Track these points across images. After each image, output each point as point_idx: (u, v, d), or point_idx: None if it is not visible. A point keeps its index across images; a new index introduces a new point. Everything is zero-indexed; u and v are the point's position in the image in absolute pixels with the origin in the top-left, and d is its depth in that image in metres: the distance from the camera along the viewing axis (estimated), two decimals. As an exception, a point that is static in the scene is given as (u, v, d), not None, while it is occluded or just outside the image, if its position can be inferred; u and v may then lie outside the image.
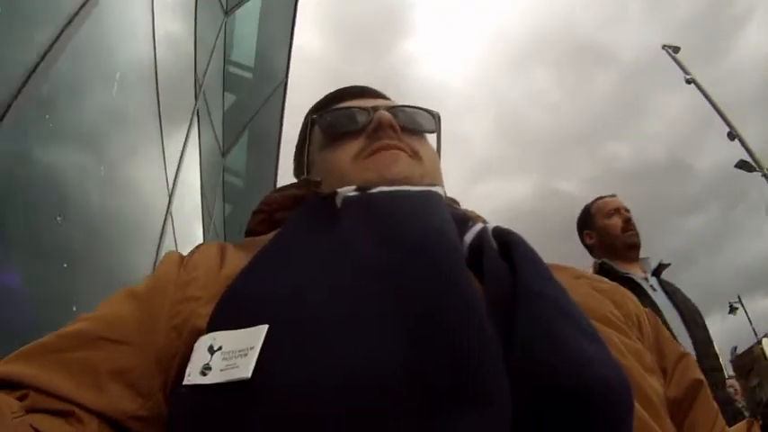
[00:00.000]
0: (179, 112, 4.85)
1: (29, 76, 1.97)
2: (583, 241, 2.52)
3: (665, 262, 2.37)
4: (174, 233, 4.30)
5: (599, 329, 0.48)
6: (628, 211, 2.40)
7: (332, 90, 0.90)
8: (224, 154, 7.07)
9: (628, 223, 2.35)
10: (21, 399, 0.45)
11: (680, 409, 0.62)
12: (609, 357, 0.43)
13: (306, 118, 0.89)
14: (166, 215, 4.15)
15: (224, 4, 6.13)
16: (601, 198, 2.53)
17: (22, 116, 1.93)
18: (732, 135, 9.02)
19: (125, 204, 3.44)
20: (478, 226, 0.59)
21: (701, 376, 0.66)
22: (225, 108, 7.10)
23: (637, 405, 0.46)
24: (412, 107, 0.84)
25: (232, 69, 7.75)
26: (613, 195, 2.52)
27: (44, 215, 2.25)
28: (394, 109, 0.80)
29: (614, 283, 0.71)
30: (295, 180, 0.87)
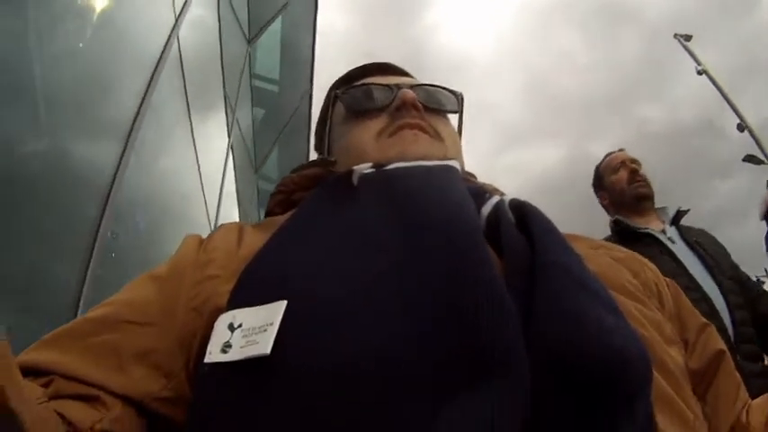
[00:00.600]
0: (214, 134, 5.08)
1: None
2: (601, 204, 2.38)
3: (684, 208, 2.21)
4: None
5: (617, 299, 0.47)
6: (634, 162, 2.27)
7: (356, 66, 0.89)
8: (257, 170, 7.31)
9: (634, 174, 2.21)
10: (46, 385, 0.45)
11: (702, 380, 0.61)
12: (627, 328, 0.43)
13: (328, 93, 0.88)
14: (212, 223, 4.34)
15: (246, 34, 6.37)
16: (608, 155, 2.41)
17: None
18: (741, 127, 8.82)
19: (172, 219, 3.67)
20: (495, 198, 0.58)
21: (724, 346, 0.64)
22: (255, 125, 7.33)
23: (656, 375, 0.46)
24: (435, 86, 0.83)
25: (258, 84, 8.01)
26: (621, 149, 2.39)
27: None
28: (417, 87, 0.79)
29: (632, 252, 0.69)
30: (317, 155, 0.89)
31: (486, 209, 0.56)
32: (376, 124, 0.75)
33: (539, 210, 0.55)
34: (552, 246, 0.48)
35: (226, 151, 5.25)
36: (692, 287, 1.78)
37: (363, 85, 0.82)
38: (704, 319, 0.66)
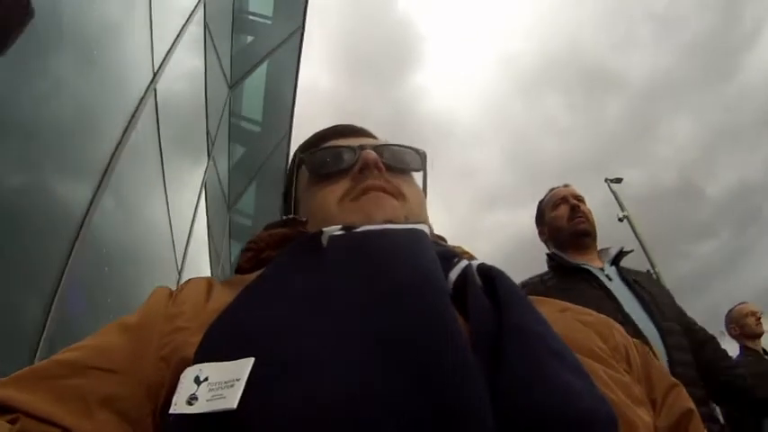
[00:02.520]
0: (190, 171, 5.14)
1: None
2: (540, 238, 2.30)
3: (627, 249, 2.14)
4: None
5: (585, 363, 0.48)
6: (577, 197, 2.20)
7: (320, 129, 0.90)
8: (230, 207, 7.35)
9: (575, 211, 2.13)
10: (12, 422, 0.45)
11: None
12: (595, 391, 0.43)
13: (293, 157, 0.89)
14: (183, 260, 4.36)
15: (228, 79, 6.50)
16: (551, 190, 2.31)
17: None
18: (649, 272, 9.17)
19: (141, 249, 3.69)
20: (463, 263, 0.58)
21: (692, 406, 0.64)
22: (232, 162, 7.40)
23: None
24: (398, 146, 0.83)
25: (240, 124, 8.14)
26: (566, 185, 2.30)
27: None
28: (380, 148, 0.79)
29: (601, 315, 0.70)
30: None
31: (454, 273, 0.57)
32: (339, 188, 0.76)
33: (506, 275, 0.56)
34: (518, 310, 0.49)
35: (199, 188, 5.30)
36: (626, 325, 1.66)
37: (326, 147, 0.82)
38: (673, 379, 0.66)
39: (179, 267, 4.38)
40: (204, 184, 5.61)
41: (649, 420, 0.56)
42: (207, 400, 0.42)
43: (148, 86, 3.51)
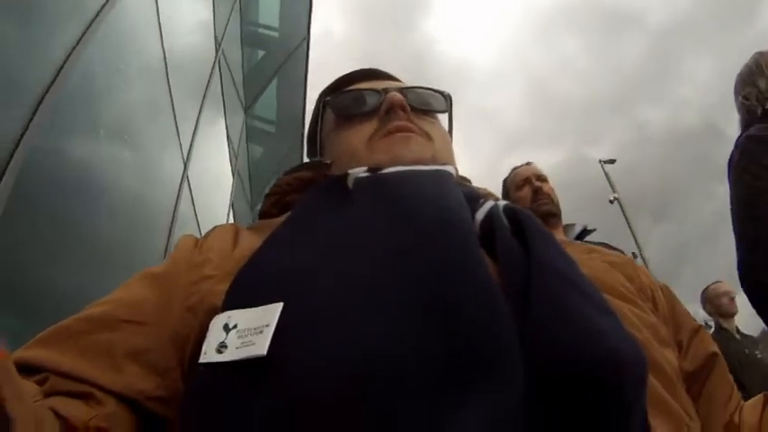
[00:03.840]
0: (199, 71, 5.12)
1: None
2: None
3: (591, 227, 2.20)
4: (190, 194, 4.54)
5: (612, 303, 0.47)
6: (540, 178, 2.22)
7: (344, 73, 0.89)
8: (246, 110, 7.43)
9: (537, 193, 2.16)
10: (41, 383, 0.45)
11: (696, 381, 0.61)
12: (622, 330, 0.43)
13: (318, 100, 0.88)
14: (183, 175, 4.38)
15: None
16: (514, 169, 2.32)
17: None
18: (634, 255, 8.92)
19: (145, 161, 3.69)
20: (489, 203, 0.58)
21: (717, 349, 0.64)
22: (247, 67, 7.33)
23: (651, 377, 0.45)
24: (423, 88, 0.82)
25: (255, 31, 7.94)
26: (528, 163, 2.32)
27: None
28: (405, 90, 0.79)
29: (626, 256, 0.69)
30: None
31: (480, 214, 0.56)
32: (366, 129, 0.75)
33: (532, 215, 0.55)
34: (546, 250, 0.48)
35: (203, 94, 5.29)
36: None
37: (352, 90, 0.82)
38: (697, 323, 0.66)
39: (185, 157, 4.41)
40: (216, 87, 5.61)
41: (675, 362, 0.57)
42: (236, 348, 0.42)
43: None
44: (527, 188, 2.18)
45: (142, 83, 3.60)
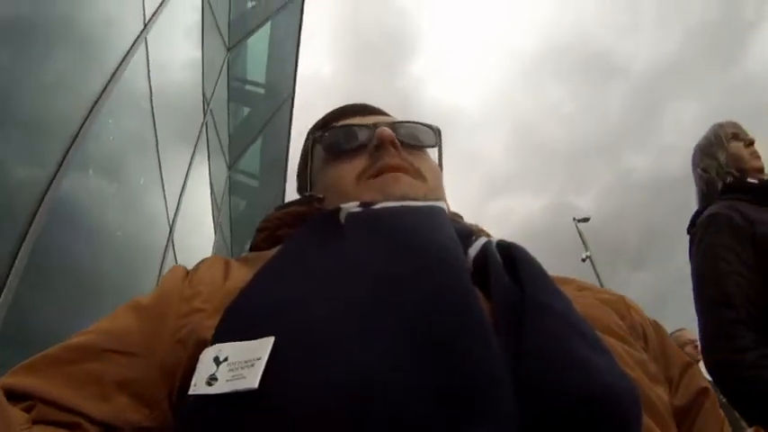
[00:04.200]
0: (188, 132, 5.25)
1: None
2: None
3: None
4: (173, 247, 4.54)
5: (605, 340, 0.47)
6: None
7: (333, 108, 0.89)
8: (230, 167, 7.50)
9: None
10: (27, 410, 0.44)
11: (686, 417, 0.61)
12: (616, 367, 0.42)
13: (307, 136, 0.87)
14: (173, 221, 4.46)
15: (226, 42, 6.52)
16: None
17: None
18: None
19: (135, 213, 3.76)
20: (482, 240, 0.57)
21: (707, 384, 0.64)
22: (233, 124, 7.47)
23: (644, 415, 0.45)
24: (412, 122, 0.82)
25: (243, 87, 8.20)
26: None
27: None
28: (395, 125, 0.78)
29: (618, 294, 0.70)
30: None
31: (474, 250, 0.56)
32: (356, 165, 0.75)
33: (527, 251, 0.55)
34: (540, 287, 0.48)
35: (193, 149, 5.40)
36: None
37: (341, 126, 0.81)
38: (688, 359, 0.66)
39: (170, 222, 4.48)
40: (204, 143, 5.72)
41: (666, 399, 0.56)
42: (227, 380, 0.41)
43: (138, 36, 3.47)
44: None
45: (134, 143, 3.70)
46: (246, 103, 8.73)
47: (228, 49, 6.57)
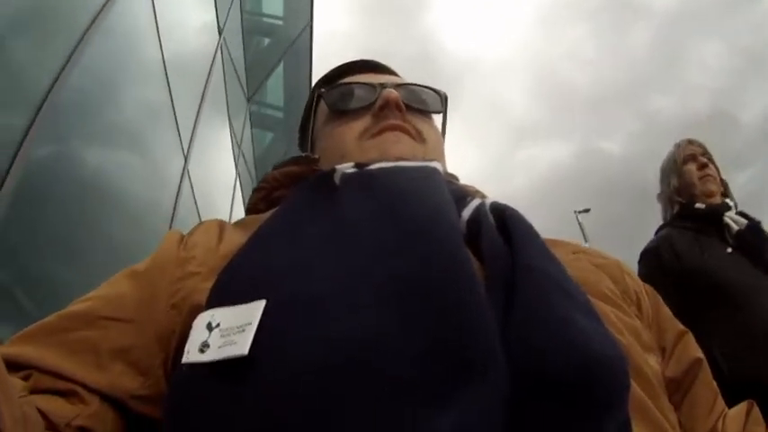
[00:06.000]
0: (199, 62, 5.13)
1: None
2: None
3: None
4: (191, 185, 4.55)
5: (596, 305, 0.47)
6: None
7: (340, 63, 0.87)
8: (249, 99, 7.40)
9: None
10: (25, 378, 0.45)
11: (679, 388, 0.60)
12: (606, 334, 0.42)
13: (312, 91, 0.86)
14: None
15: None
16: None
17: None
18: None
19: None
20: (476, 201, 0.57)
21: (701, 355, 0.63)
22: (250, 58, 7.30)
23: (633, 383, 0.45)
24: (419, 86, 0.80)
25: (258, 20, 7.97)
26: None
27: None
28: (401, 87, 0.77)
29: (613, 258, 0.68)
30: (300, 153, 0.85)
31: (467, 212, 0.55)
32: (359, 124, 0.74)
33: (520, 214, 0.54)
34: (532, 250, 0.47)
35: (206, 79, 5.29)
36: None
37: (347, 83, 0.80)
38: (682, 327, 0.65)
39: (185, 153, 4.42)
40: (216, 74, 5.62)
41: (657, 368, 0.56)
42: (218, 347, 0.41)
43: None
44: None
45: (141, 80, 3.62)
46: (264, 35, 8.49)
47: None
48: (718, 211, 1.84)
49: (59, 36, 2.39)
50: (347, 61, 0.87)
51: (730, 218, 1.82)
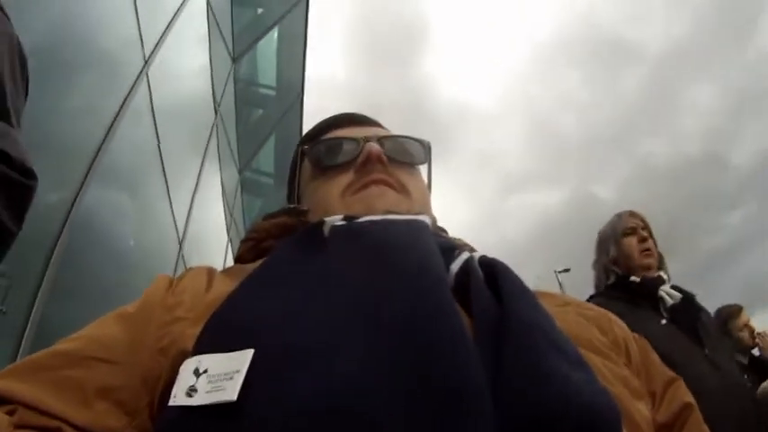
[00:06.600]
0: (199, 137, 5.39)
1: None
2: None
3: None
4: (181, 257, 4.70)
5: (586, 356, 0.47)
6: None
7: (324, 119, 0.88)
8: (240, 171, 7.66)
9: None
10: (10, 413, 0.45)
11: None
12: (596, 384, 0.42)
13: (297, 148, 0.86)
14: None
15: (231, 52, 6.63)
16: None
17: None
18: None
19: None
20: (465, 255, 0.57)
21: (692, 399, 0.63)
22: (242, 129, 7.61)
23: (624, 431, 0.45)
24: (403, 137, 0.81)
25: (251, 91, 8.34)
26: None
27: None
28: (383, 139, 0.77)
29: (601, 309, 0.68)
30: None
31: (456, 265, 0.55)
32: (342, 180, 0.74)
33: (509, 268, 0.55)
34: (522, 303, 0.47)
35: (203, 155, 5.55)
36: None
37: (329, 139, 0.80)
38: (673, 374, 0.65)
39: (180, 234, 4.57)
40: (214, 149, 5.85)
41: (648, 414, 0.56)
42: (206, 392, 0.41)
43: (141, 70, 3.52)
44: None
45: (137, 155, 3.82)
46: (257, 106, 8.87)
47: (234, 60, 6.69)
48: (653, 285, 1.88)
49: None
50: (331, 116, 0.88)
51: (665, 291, 1.86)
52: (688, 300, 1.83)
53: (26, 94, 1.04)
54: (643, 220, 2.09)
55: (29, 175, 0.92)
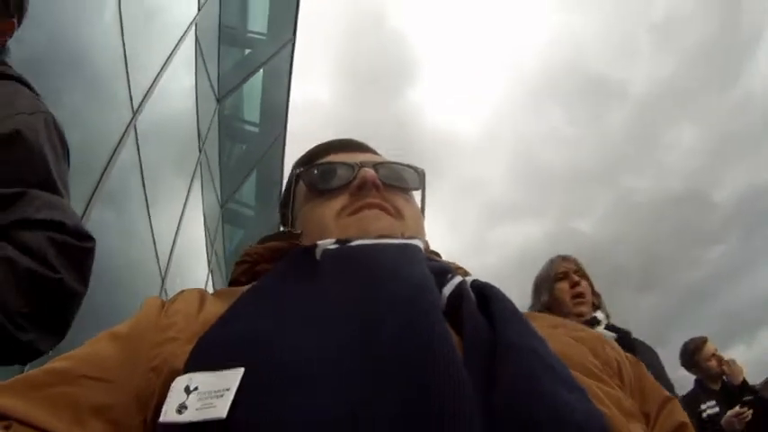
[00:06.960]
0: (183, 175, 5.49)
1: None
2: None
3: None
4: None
5: (578, 379, 0.47)
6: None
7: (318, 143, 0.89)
8: (222, 205, 7.73)
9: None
10: (4, 429, 0.45)
11: None
12: (589, 405, 0.42)
13: (291, 171, 0.87)
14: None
15: (216, 92, 6.79)
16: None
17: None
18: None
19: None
20: (457, 279, 0.57)
21: (686, 419, 0.63)
22: (225, 164, 7.72)
23: None
24: (397, 164, 0.81)
25: (235, 127, 8.48)
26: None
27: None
28: (378, 165, 0.78)
29: (593, 331, 0.69)
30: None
31: (448, 289, 0.56)
32: (337, 203, 0.75)
33: (501, 291, 0.55)
34: (514, 326, 0.48)
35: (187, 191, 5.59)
36: None
37: (324, 163, 0.81)
38: (667, 393, 0.65)
39: (162, 271, 4.64)
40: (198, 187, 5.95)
41: None
42: (196, 409, 0.42)
43: (130, 122, 3.61)
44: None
45: (120, 189, 3.85)
46: (241, 142, 8.98)
47: (218, 100, 6.85)
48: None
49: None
50: (326, 141, 0.88)
51: (599, 332, 1.80)
52: (623, 339, 1.86)
53: (68, 163, 1.12)
54: (576, 263, 2.10)
55: (85, 238, 1.00)
